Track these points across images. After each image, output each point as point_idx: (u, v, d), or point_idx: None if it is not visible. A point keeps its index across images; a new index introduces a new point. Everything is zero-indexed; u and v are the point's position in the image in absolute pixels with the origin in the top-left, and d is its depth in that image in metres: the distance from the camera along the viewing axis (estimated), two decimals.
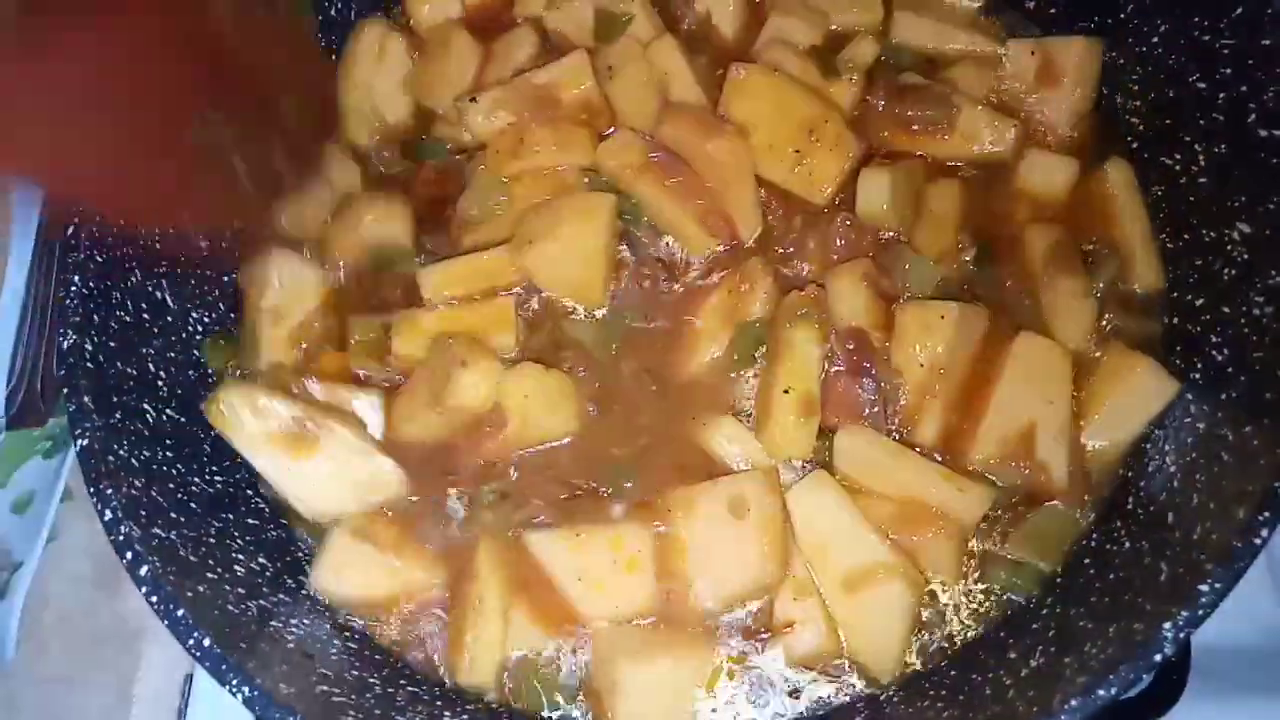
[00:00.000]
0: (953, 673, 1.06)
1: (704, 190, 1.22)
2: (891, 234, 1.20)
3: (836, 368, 1.14)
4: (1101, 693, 0.89)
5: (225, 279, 1.28)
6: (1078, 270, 1.18)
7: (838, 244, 1.20)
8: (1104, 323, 1.18)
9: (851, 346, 1.14)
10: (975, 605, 1.11)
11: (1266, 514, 0.91)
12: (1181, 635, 0.89)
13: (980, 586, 1.12)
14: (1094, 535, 1.11)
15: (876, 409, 1.13)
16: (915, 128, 1.25)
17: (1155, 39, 1.20)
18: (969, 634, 1.11)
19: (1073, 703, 0.89)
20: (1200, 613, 0.89)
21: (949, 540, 1.09)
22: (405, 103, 1.36)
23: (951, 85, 1.27)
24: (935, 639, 1.10)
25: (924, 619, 1.10)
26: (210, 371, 1.23)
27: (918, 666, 1.10)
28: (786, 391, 1.11)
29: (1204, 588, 0.90)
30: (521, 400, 1.15)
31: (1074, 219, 1.22)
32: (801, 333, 1.13)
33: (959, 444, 1.13)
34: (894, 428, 1.14)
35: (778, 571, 1.08)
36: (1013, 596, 1.10)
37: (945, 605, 1.11)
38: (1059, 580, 1.10)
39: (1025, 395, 1.12)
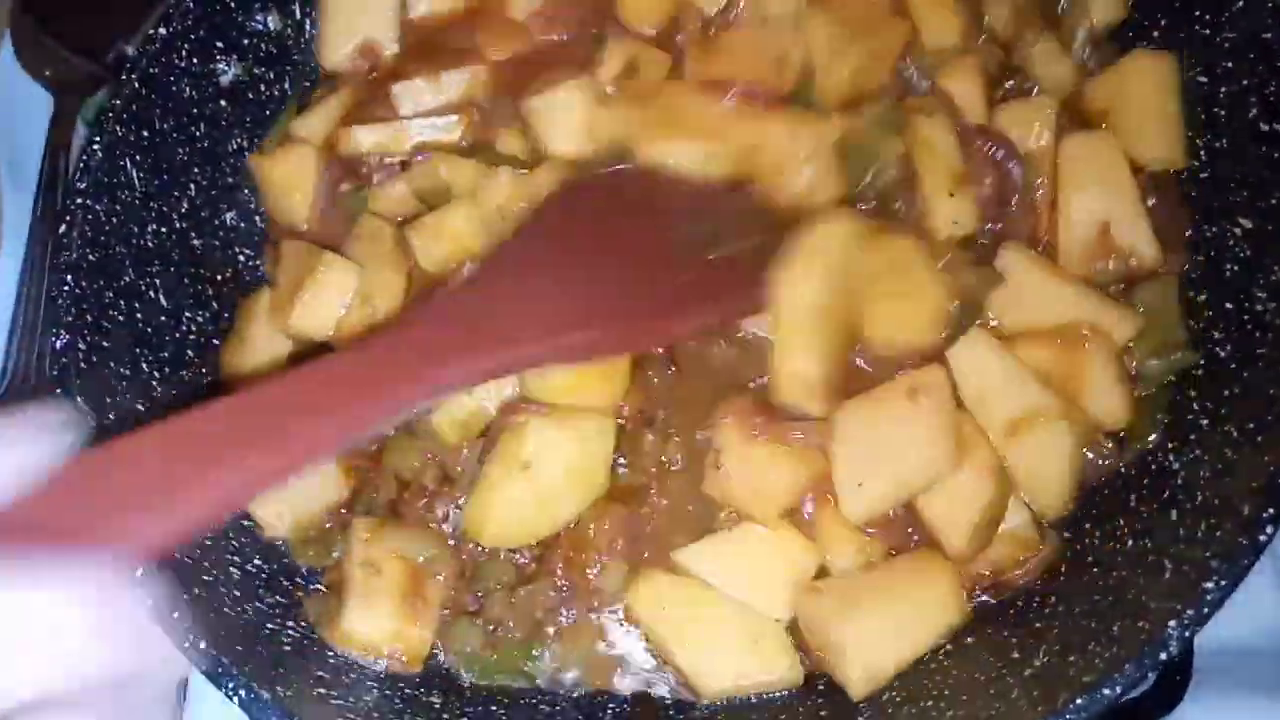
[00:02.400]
0: (955, 672, 1.05)
1: None
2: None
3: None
4: (1106, 691, 0.88)
5: (219, 278, 1.27)
6: (1046, 27, 1.20)
7: None
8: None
9: (981, 141, 1.14)
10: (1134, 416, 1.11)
11: (1271, 510, 0.90)
12: (1187, 633, 0.88)
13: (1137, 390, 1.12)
14: (1097, 534, 1.10)
15: (1018, 202, 1.14)
16: None
17: (1156, 34, 1.20)
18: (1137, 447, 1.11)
19: (1078, 701, 0.88)
20: (1205, 610, 0.89)
21: (1105, 361, 1.10)
22: None
23: None
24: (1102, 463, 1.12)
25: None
26: (205, 371, 1.22)
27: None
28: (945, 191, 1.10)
29: (1209, 585, 0.89)
30: None
31: None
32: (939, 129, 1.12)
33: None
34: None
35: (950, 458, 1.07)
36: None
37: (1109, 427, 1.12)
38: (1063, 575, 1.09)
39: (1089, 195, 1.13)
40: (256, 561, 1.12)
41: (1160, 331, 1.12)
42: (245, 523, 1.15)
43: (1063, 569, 1.09)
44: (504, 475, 1.08)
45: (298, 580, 1.15)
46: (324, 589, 1.15)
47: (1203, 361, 1.11)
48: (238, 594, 1.06)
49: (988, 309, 1.12)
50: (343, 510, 1.16)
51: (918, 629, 1.06)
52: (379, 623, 1.09)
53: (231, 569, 1.09)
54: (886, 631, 1.05)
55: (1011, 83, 1.20)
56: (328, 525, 1.16)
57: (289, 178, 1.27)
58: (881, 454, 1.06)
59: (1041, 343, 1.11)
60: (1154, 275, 1.14)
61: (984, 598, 1.10)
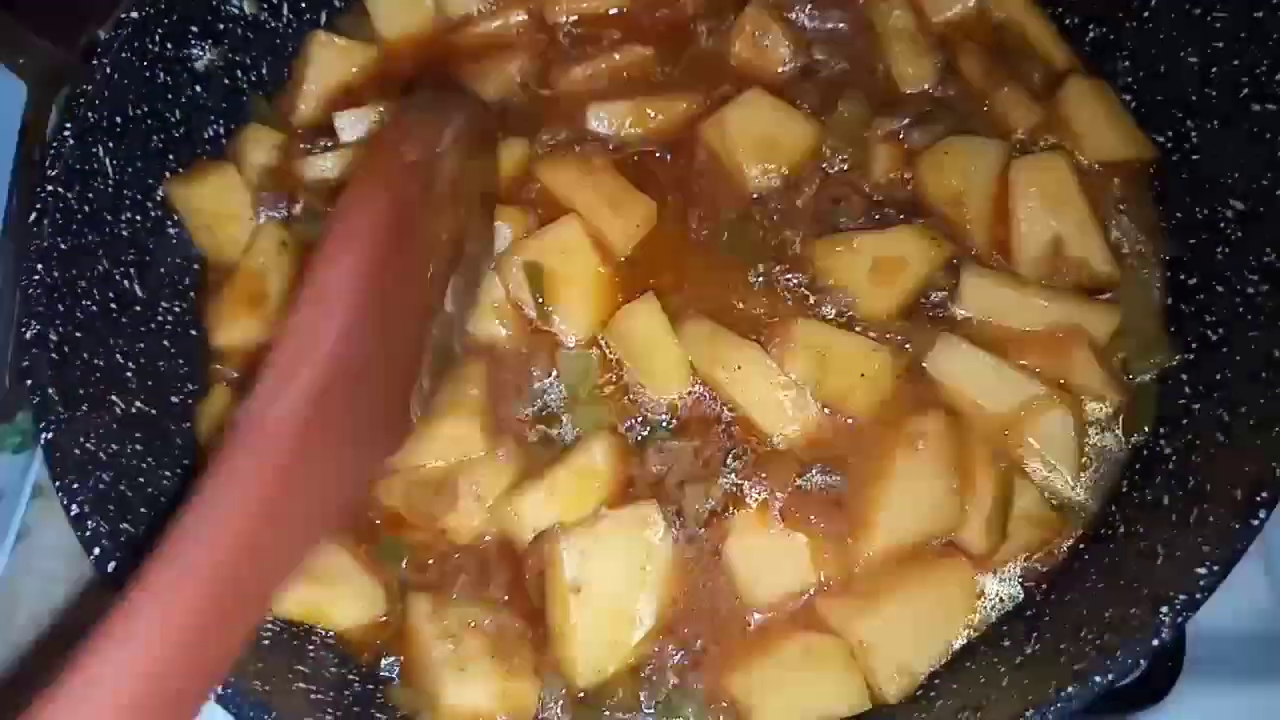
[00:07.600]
0: (947, 659, 1.04)
1: None
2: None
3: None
4: (1099, 679, 0.87)
5: (195, 268, 1.25)
6: (1012, 75, 1.25)
7: None
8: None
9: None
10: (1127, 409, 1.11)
11: (1264, 495, 0.89)
12: (1180, 619, 0.87)
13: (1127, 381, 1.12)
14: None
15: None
16: None
17: (1146, 14, 1.19)
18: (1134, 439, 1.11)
19: (1070, 689, 0.87)
20: (1198, 596, 0.87)
21: (1089, 359, 1.10)
22: None
23: None
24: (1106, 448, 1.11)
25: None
26: (182, 362, 1.20)
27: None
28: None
29: (1202, 570, 0.88)
30: None
31: (986, 32, 1.30)
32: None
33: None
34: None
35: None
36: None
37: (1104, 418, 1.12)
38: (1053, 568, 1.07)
39: (1038, 211, 1.14)
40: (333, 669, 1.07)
41: (1137, 336, 1.12)
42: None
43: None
44: (562, 611, 1.01)
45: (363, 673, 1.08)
46: (396, 679, 1.07)
47: (1194, 345, 1.10)
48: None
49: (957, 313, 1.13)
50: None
51: (944, 624, 1.04)
52: (482, 686, 1.01)
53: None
54: (912, 628, 1.02)
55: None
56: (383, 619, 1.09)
57: (217, 206, 1.24)
58: (898, 506, 1.05)
59: (1025, 349, 1.11)
60: (1122, 282, 1.14)
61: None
